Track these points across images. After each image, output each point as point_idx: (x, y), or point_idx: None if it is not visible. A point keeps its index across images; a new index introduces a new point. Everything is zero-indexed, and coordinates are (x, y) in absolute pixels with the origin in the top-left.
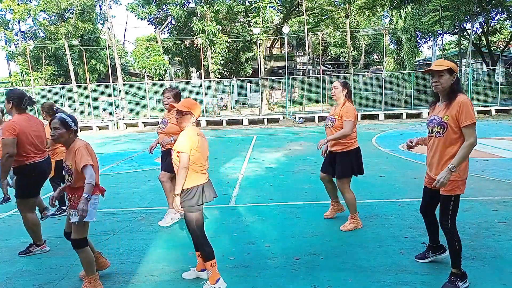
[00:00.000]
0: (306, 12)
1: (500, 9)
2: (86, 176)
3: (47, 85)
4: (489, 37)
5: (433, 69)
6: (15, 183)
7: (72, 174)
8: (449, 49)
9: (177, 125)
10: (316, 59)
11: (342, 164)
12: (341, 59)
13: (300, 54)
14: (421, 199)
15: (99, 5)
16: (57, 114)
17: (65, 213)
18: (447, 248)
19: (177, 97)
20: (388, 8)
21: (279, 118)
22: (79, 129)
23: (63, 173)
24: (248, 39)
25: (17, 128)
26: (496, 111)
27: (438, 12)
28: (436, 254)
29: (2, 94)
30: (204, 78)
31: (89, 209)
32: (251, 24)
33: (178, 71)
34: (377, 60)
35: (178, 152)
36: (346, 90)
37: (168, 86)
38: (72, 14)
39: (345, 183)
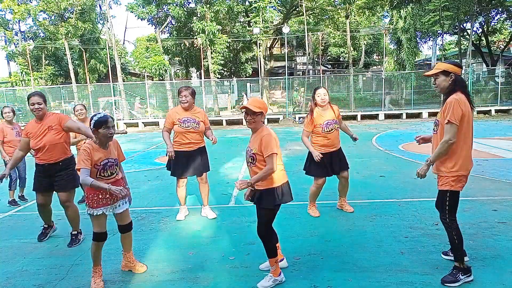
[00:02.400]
0: (306, 12)
1: (500, 9)
2: (121, 169)
3: (47, 85)
4: (489, 37)
5: (427, 74)
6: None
7: (118, 166)
8: (449, 49)
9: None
10: (316, 59)
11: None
12: (341, 59)
13: (300, 54)
14: (421, 199)
15: (99, 5)
16: (106, 114)
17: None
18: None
19: (194, 95)
20: (388, 8)
21: (279, 118)
22: None
23: (106, 168)
24: (248, 39)
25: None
26: (496, 111)
27: (438, 12)
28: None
29: (2, 95)
30: (204, 78)
31: (131, 196)
32: (251, 24)
33: (178, 71)
34: (377, 60)
35: (269, 154)
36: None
37: (184, 85)
38: (72, 14)
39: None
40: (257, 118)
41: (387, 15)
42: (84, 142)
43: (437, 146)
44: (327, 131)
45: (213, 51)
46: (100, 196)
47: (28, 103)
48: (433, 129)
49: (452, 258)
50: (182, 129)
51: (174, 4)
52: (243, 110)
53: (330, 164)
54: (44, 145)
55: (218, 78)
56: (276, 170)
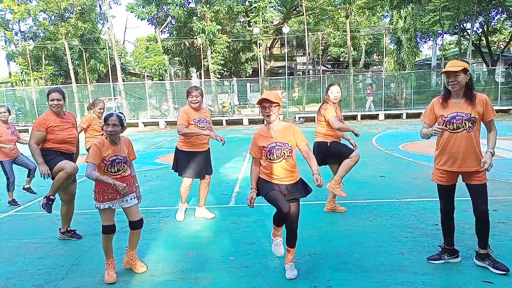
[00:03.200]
0: (306, 12)
1: (500, 9)
2: (132, 168)
3: (47, 85)
4: (489, 37)
5: (450, 70)
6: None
7: (127, 164)
8: (449, 49)
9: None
10: (316, 59)
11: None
12: (341, 59)
13: (300, 54)
14: (421, 199)
15: (99, 5)
16: (113, 112)
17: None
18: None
19: (203, 95)
20: (388, 8)
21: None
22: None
23: (114, 164)
24: (248, 39)
25: None
26: (496, 111)
27: (438, 12)
28: (452, 258)
29: (2, 95)
30: (204, 78)
31: (139, 193)
32: (251, 24)
33: (178, 71)
34: (377, 60)
35: (306, 143)
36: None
37: (193, 85)
38: (72, 14)
39: None
40: (275, 109)
41: (387, 15)
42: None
43: (476, 141)
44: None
45: (213, 51)
46: (107, 191)
47: (48, 98)
48: (470, 127)
49: (486, 265)
50: (198, 129)
51: (174, 4)
52: (259, 104)
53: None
54: (74, 138)
55: (218, 78)
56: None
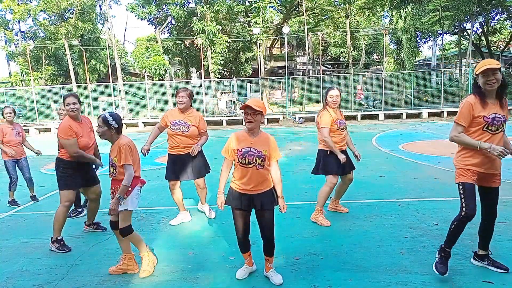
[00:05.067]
0: (306, 12)
1: (500, 9)
2: (125, 175)
3: (47, 85)
4: (489, 37)
5: (492, 66)
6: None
7: (116, 168)
8: (449, 49)
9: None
10: (316, 59)
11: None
12: (341, 59)
13: (300, 54)
14: (421, 199)
15: (99, 5)
16: (104, 114)
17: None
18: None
19: (192, 97)
20: (388, 8)
21: (279, 118)
22: (123, 127)
23: (110, 164)
24: (248, 39)
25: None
26: None
27: (438, 12)
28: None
29: (2, 95)
30: (204, 78)
31: (132, 198)
32: (251, 24)
33: (178, 71)
34: (377, 60)
35: (277, 159)
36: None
37: (183, 87)
38: (72, 14)
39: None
40: (257, 117)
41: (387, 15)
42: None
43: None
44: (341, 128)
45: (213, 51)
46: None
47: (64, 103)
48: (501, 128)
49: (485, 265)
50: (171, 131)
51: (174, 4)
52: (242, 110)
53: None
54: (93, 144)
55: (218, 78)
56: None
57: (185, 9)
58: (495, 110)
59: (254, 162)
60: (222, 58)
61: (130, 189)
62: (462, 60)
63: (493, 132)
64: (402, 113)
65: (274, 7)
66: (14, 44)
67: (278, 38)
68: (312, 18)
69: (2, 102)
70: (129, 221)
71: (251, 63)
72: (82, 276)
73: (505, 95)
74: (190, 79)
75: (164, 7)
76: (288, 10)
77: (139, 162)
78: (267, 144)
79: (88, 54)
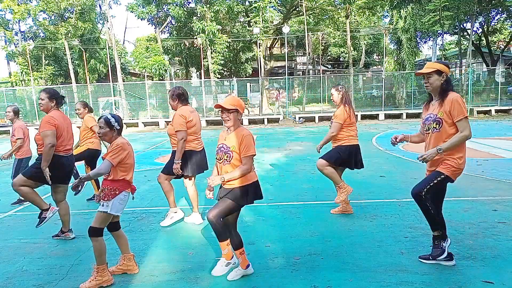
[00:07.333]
0: (306, 12)
1: (500, 9)
2: (99, 166)
3: (47, 85)
4: (489, 37)
5: (421, 72)
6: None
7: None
8: (449, 49)
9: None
10: (316, 59)
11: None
12: (341, 59)
13: (300, 54)
14: None
15: (99, 5)
16: (103, 114)
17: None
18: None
19: (173, 96)
20: (388, 8)
21: (279, 118)
22: (123, 128)
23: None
24: (248, 39)
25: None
26: (496, 111)
27: (438, 12)
28: (446, 261)
29: (2, 95)
30: (204, 78)
31: (117, 202)
32: (251, 24)
33: (178, 71)
34: (377, 60)
35: (249, 155)
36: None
37: (172, 87)
38: (72, 14)
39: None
40: (232, 115)
41: (387, 15)
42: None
43: (441, 142)
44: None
45: (213, 51)
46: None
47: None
48: (434, 127)
49: (434, 262)
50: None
51: (174, 4)
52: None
53: (355, 156)
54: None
55: (218, 78)
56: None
57: (185, 9)
58: (431, 110)
59: (222, 158)
60: (222, 58)
61: (117, 192)
62: (462, 60)
63: (425, 131)
64: (402, 113)
65: (274, 7)
66: (14, 44)
67: (278, 38)
68: (312, 18)
69: (2, 102)
70: (103, 225)
71: (251, 63)
72: (82, 276)
73: (443, 97)
74: (190, 79)
75: (164, 7)
76: (288, 10)
77: (133, 166)
78: (237, 140)
79: (88, 54)
